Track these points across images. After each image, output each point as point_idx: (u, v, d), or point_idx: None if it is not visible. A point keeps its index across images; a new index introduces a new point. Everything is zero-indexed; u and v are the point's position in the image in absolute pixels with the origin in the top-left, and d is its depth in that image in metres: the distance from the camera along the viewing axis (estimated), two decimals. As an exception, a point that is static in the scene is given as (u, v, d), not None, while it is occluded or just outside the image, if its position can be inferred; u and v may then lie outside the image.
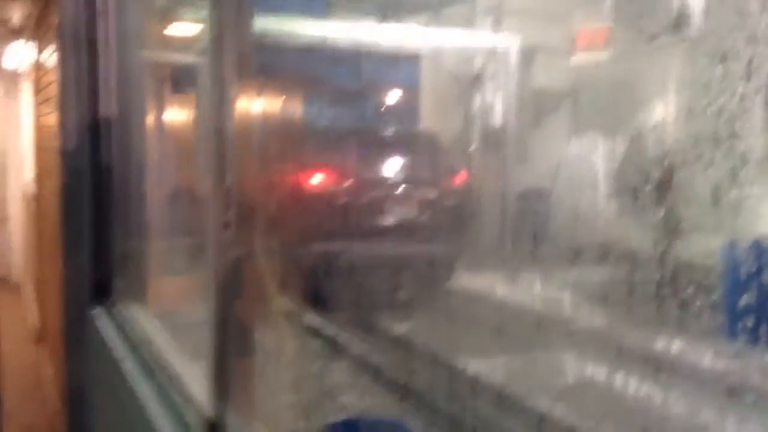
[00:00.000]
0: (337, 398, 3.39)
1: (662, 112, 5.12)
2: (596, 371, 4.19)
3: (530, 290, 5.88)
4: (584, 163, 6.19)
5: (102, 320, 2.69)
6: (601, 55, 5.90)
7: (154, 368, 1.99)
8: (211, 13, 1.60)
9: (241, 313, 1.66)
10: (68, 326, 3.09)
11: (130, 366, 2.13)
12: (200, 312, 2.11)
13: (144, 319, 2.45)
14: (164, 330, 2.32)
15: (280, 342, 2.98)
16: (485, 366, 4.16)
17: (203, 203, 2.28)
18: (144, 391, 1.92)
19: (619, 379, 4.01)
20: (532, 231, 6.37)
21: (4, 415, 3.44)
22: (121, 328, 2.48)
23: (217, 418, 1.51)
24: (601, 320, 4.74)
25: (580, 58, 6.10)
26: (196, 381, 1.76)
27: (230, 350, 1.58)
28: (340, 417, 2.94)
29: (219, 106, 1.66)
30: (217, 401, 1.53)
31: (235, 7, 1.63)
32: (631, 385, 3.91)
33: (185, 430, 1.63)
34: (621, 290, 4.59)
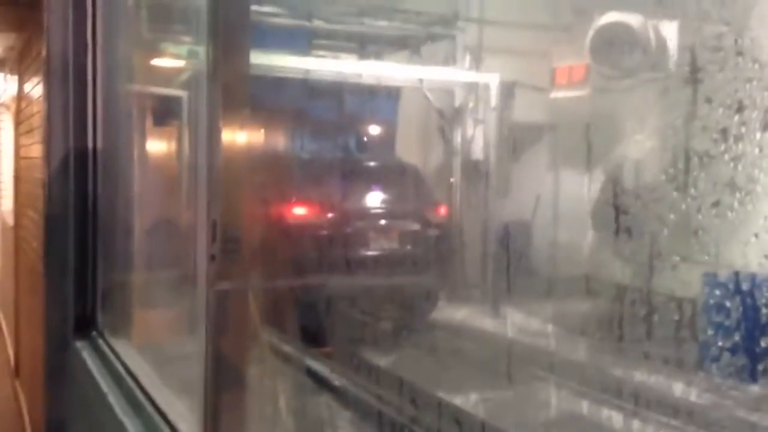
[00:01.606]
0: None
1: (637, 147, 5.24)
2: (579, 404, 4.21)
3: (511, 322, 5.91)
4: (563, 197, 6.29)
5: (86, 353, 2.65)
6: (579, 91, 6.04)
7: (141, 403, 1.97)
8: (207, 50, 1.63)
9: (230, 349, 1.66)
10: (49, 359, 3.04)
11: (116, 400, 2.11)
12: (185, 345, 2.10)
13: (129, 353, 2.42)
14: (150, 364, 2.30)
15: (268, 377, 2.95)
16: (468, 399, 4.16)
17: (186, 235, 2.28)
18: (133, 426, 1.89)
19: (601, 412, 4.03)
20: (514, 263, 6.42)
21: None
22: (107, 362, 2.45)
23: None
24: (583, 353, 4.78)
25: (558, 93, 6.24)
26: (185, 417, 1.75)
27: (221, 386, 1.58)
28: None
29: (208, 140, 1.67)
30: (209, 436, 1.52)
31: (229, 43, 1.66)
32: (613, 418, 3.93)
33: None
34: (601, 322, 4.63)
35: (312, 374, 4.32)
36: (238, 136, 1.68)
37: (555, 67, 6.29)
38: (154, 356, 2.41)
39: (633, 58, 5.07)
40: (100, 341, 2.67)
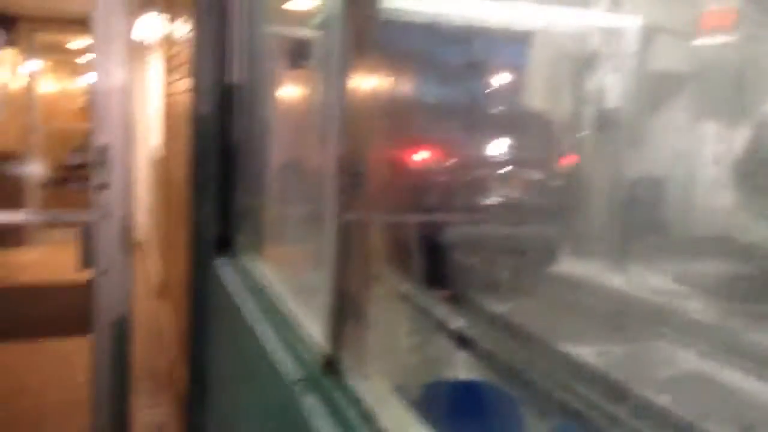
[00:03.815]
0: (436, 366, 3.48)
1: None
2: (704, 365, 4.05)
3: (637, 280, 5.71)
4: (703, 152, 5.91)
5: (224, 269, 2.90)
6: (728, 38, 5.59)
7: (272, 311, 2.14)
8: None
9: (354, 275, 1.75)
10: (192, 276, 3.34)
11: (250, 309, 2.30)
12: (313, 265, 2.24)
13: (262, 269, 2.62)
14: (279, 280, 2.48)
15: (388, 311, 3.07)
16: (584, 351, 4.11)
17: (316, 173, 2.39)
18: (263, 331, 2.07)
19: (728, 373, 3.86)
20: (644, 220, 6.16)
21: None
22: (242, 276, 2.67)
23: (333, 354, 1.63)
24: (713, 314, 4.55)
25: (704, 40, 5.80)
26: (312, 322, 1.89)
27: (347, 295, 1.68)
28: (443, 378, 3.02)
29: (338, 79, 1.74)
30: (333, 340, 1.64)
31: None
32: (740, 380, 3.75)
33: (304, 365, 1.76)
34: (736, 285, 4.38)
35: (429, 314, 4.44)
36: (367, 79, 1.74)
37: (701, 12, 5.84)
38: (283, 274, 2.60)
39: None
40: (236, 258, 2.90)
